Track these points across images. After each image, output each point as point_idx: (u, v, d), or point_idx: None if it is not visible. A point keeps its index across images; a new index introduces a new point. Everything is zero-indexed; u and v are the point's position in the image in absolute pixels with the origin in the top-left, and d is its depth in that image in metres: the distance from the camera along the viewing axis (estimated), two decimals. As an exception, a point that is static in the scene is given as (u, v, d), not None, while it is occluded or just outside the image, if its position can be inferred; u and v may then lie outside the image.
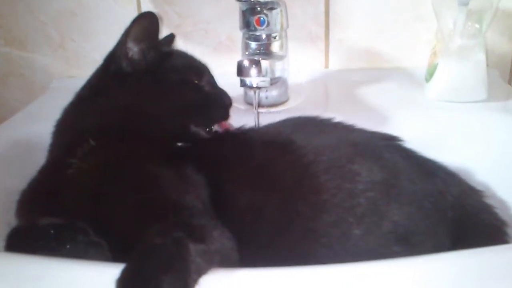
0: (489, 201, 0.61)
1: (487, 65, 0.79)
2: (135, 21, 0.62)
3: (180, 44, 0.89)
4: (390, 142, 0.64)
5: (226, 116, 0.69)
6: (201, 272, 0.41)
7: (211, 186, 0.58)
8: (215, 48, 0.92)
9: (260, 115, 0.75)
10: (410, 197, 0.56)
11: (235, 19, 0.77)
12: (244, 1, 0.70)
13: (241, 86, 0.64)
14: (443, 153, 0.72)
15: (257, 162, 0.60)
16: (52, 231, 0.49)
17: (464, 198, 0.59)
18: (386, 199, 0.55)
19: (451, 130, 0.76)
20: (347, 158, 0.58)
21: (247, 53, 0.74)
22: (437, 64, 0.78)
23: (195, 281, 0.40)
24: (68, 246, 0.48)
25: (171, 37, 0.78)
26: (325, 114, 0.74)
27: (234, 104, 0.77)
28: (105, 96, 0.63)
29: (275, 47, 0.74)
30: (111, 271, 0.40)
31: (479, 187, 0.67)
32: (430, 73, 0.80)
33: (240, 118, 0.71)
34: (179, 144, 0.67)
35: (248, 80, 0.63)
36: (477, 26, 0.76)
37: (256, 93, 0.67)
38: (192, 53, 0.72)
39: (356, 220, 0.53)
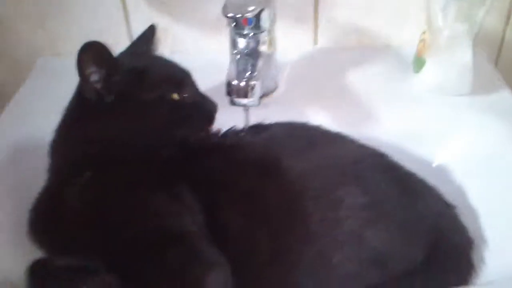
0: (460, 212, 0.66)
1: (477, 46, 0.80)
2: (81, 54, 0.60)
3: (165, 22, 0.88)
4: (376, 160, 0.68)
5: (210, 123, 0.69)
6: None
7: (204, 210, 0.62)
8: (202, 28, 0.91)
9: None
10: (390, 222, 0.61)
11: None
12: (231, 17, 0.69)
13: (230, 104, 0.66)
14: (423, 147, 0.78)
15: (247, 187, 0.63)
16: (68, 275, 0.55)
17: (439, 220, 0.63)
18: (366, 225, 0.60)
19: (432, 123, 0.79)
20: (332, 184, 0.62)
21: (235, 51, 0.74)
22: (425, 60, 0.79)
23: None
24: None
25: (151, 30, 0.75)
26: (312, 105, 0.80)
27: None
28: (82, 127, 0.65)
29: (263, 44, 0.75)
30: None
31: (454, 184, 0.73)
32: (418, 66, 0.81)
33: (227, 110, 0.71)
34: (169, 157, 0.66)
35: (237, 101, 0.65)
36: (466, 20, 0.76)
37: (246, 111, 0.69)
38: (172, 60, 0.71)
39: (337, 247, 0.59)
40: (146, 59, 0.72)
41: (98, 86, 0.63)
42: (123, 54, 0.73)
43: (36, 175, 0.68)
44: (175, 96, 0.66)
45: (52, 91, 0.65)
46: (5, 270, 0.61)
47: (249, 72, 0.67)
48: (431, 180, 0.71)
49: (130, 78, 0.64)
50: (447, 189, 0.71)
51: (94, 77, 0.62)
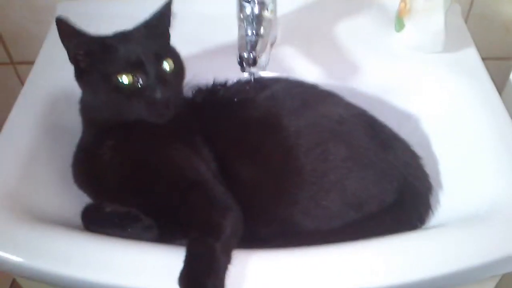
0: (424, 160, 0.82)
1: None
2: (57, 28, 0.71)
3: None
4: (358, 118, 0.81)
5: (155, 109, 0.72)
6: (227, 263, 0.63)
7: (216, 160, 0.76)
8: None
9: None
10: (367, 172, 0.76)
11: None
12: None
13: (241, 70, 0.78)
14: (399, 99, 0.91)
15: (253, 142, 0.77)
16: (116, 220, 0.70)
17: (406, 169, 0.78)
18: (348, 174, 0.75)
19: (408, 78, 0.91)
20: (321, 140, 0.76)
21: (242, 17, 0.84)
22: (405, 23, 0.90)
23: (225, 272, 0.62)
24: (129, 230, 0.69)
25: (168, 4, 0.80)
26: (304, 57, 0.91)
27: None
28: (82, 93, 0.78)
29: (267, 12, 0.84)
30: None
31: (422, 134, 0.88)
32: (399, 26, 0.92)
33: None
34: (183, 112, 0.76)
35: (247, 69, 0.76)
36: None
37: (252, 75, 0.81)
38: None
39: (325, 193, 0.74)
40: (133, 35, 0.77)
41: (74, 58, 0.73)
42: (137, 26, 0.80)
43: (71, 123, 0.81)
44: (126, 77, 0.71)
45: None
46: (63, 210, 0.76)
47: (256, 43, 0.77)
48: (404, 129, 0.86)
49: (97, 52, 0.73)
50: (416, 137, 0.86)
51: (70, 51, 0.73)
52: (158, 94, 0.71)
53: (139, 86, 0.71)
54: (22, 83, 1.16)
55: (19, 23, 1.05)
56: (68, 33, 0.72)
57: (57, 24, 0.71)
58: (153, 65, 0.72)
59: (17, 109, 0.85)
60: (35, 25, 1.04)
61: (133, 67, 0.71)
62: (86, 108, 0.79)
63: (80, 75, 0.75)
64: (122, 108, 0.73)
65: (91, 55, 0.73)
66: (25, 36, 1.07)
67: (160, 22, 0.79)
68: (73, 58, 0.74)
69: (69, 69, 0.75)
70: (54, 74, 0.89)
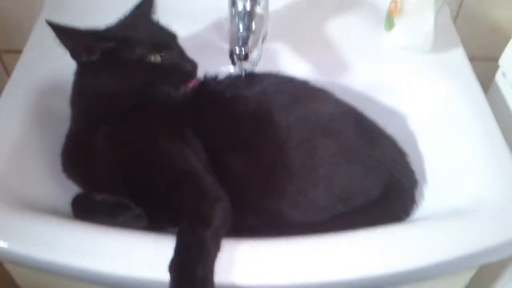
0: (410, 156, 0.84)
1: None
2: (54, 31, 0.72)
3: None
4: (348, 115, 0.83)
5: (186, 81, 0.81)
6: (216, 251, 0.64)
7: (207, 151, 0.77)
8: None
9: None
10: (355, 168, 0.78)
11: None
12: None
13: (232, 64, 0.79)
14: (388, 97, 0.93)
15: (244, 137, 0.78)
16: (106, 208, 0.70)
17: (393, 165, 0.80)
18: (337, 169, 0.77)
19: (397, 77, 0.92)
20: (311, 136, 0.78)
21: (233, 12, 0.84)
22: (395, 23, 0.92)
23: (214, 260, 0.64)
24: (119, 219, 0.70)
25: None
26: (295, 54, 0.92)
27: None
28: (83, 83, 0.79)
29: (259, 8, 0.85)
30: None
31: (409, 131, 0.90)
32: (389, 26, 0.93)
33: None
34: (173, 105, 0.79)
35: (238, 64, 0.77)
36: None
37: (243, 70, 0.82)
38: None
39: (313, 187, 0.75)
40: (137, 22, 0.81)
41: (76, 51, 0.75)
42: (125, 16, 0.83)
43: (60, 112, 0.81)
44: (155, 57, 0.77)
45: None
46: (52, 199, 0.76)
47: (248, 39, 0.78)
48: (392, 126, 0.88)
49: (113, 40, 0.75)
50: (403, 134, 0.88)
51: (69, 45, 0.74)
52: (189, 66, 0.80)
53: (170, 63, 0.78)
54: (6, 71, 1.15)
55: (5, 10, 1.05)
56: (66, 33, 0.73)
57: (52, 28, 0.72)
58: (173, 43, 0.80)
59: (6, 97, 0.85)
60: (22, 13, 1.03)
61: (161, 47, 0.78)
62: (85, 96, 0.79)
63: (86, 67, 0.77)
64: (151, 86, 0.77)
65: (97, 47, 0.75)
66: (11, 24, 1.06)
67: (148, 10, 0.84)
68: (76, 55, 0.75)
69: (59, 58, 0.75)
70: (43, 63, 0.89)
